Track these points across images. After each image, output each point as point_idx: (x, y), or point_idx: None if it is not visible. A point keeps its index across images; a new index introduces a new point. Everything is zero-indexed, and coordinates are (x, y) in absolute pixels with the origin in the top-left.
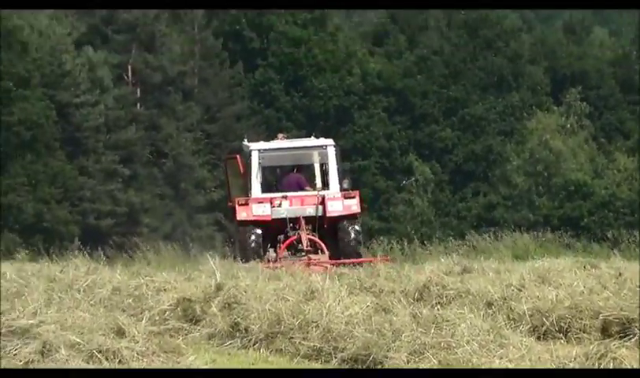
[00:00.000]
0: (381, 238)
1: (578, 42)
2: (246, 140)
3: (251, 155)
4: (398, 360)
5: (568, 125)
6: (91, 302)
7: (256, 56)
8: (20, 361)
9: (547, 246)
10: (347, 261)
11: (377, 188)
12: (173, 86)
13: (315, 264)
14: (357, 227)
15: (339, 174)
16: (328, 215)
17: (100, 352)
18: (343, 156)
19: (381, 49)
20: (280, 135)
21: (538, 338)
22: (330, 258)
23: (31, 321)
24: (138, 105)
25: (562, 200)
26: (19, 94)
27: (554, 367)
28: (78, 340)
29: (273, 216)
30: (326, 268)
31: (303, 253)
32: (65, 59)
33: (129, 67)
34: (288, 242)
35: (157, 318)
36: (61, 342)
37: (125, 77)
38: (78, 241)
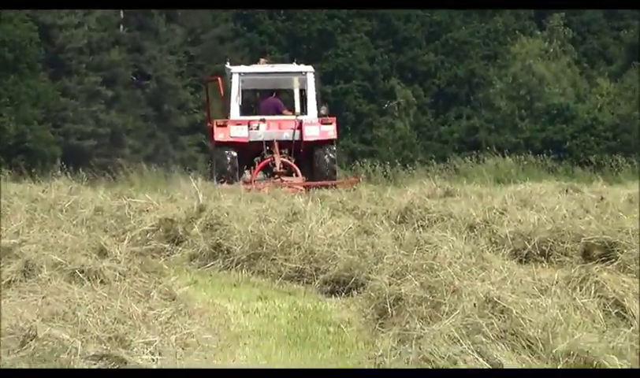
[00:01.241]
0: (364, 160)
1: None
2: (228, 63)
3: (231, 78)
4: (380, 282)
5: (551, 50)
6: (74, 223)
7: None
8: (3, 281)
9: (529, 169)
10: (318, 183)
11: (359, 111)
12: None
13: (287, 186)
14: (332, 154)
15: (317, 100)
16: (305, 140)
17: (82, 272)
18: (325, 80)
19: None
20: (261, 60)
21: (520, 261)
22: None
23: (13, 241)
24: (121, 26)
25: (544, 123)
26: (2, 15)
27: (536, 290)
28: (60, 260)
29: (250, 139)
30: (298, 189)
31: (277, 176)
32: None
33: None
34: (262, 164)
35: (139, 239)
36: (43, 261)
37: None
38: (60, 161)
